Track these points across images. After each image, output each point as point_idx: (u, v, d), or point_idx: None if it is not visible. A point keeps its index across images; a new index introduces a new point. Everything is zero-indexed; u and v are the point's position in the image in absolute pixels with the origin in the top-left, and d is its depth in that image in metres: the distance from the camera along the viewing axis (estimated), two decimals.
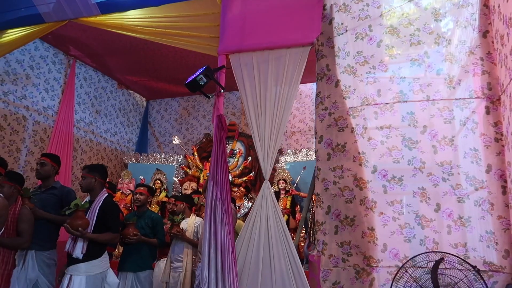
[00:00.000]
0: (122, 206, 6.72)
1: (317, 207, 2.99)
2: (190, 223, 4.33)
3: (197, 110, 8.54)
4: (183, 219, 4.35)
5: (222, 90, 3.55)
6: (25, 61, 6.42)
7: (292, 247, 3.01)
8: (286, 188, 6.27)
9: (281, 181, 6.31)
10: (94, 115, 7.68)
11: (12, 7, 4.44)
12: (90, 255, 3.14)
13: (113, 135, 8.14)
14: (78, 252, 3.07)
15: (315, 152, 3.14)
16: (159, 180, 7.29)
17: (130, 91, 8.63)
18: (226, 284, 2.95)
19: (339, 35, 3.19)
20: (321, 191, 2.99)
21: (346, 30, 3.18)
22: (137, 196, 4.38)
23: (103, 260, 3.25)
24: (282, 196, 6.26)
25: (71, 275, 3.11)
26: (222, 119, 3.46)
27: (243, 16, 3.65)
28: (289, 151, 6.90)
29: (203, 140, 7.56)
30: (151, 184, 7.18)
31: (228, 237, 3.09)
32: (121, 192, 7.27)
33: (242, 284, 3.06)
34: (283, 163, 6.79)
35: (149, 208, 5.00)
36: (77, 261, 3.13)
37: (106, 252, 3.30)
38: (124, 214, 4.90)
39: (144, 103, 9.04)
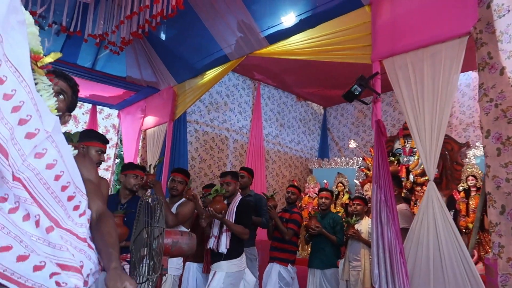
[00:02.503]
0: (310, 208, 7.39)
1: (489, 207, 2.79)
2: (364, 224, 4.54)
3: None
4: (358, 221, 4.59)
5: (378, 96, 3.68)
6: (222, 91, 7.87)
7: (464, 249, 2.89)
8: (477, 185, 5.67)
9: (470, 178, 5.75)
10: (279, 128, 8.69)
11: (207, 54, 5.62)
12: (231, 254, 3.55)
13: (297, 144, 8.98)
14: (223, 247, 3.52)
15: (483, 148, 2.92)
16: (341, 183, 7.65)
17: (308, 102, 9.35)
18: (396, 283, 3.07)
19: (500, 17, 2.90)
20: (493, 190, 2.77)
21: (509, 11, 2.86)
22: (323, 201, 4.85)
23: (242, 260, 3.66)
24: (473, 194, 5.69)
25: (215, 271, 3.55)
26: (380, 124, 3.59)
27: (393, 20, 3.68)
28: (478, 144, 6.21)
29: None
30: (333, 188, 7.63)
31: (395, 238, 3.20)
32: (308, 196, 7.97)
33: (414, 284, 3.11)
34: (471, 158, 6.16)
35: (332, 210, 5.44)
36: (220, 259, 3.55)
37: (244, 253, 3.73)
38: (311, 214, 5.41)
39: (322, 111, 9.62)
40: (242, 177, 4.57)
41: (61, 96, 1.46)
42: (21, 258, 0.91)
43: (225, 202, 3.74)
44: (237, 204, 3.75)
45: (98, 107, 7.32)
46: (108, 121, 7.49)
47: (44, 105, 1.09)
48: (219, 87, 7.79)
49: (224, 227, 3.65)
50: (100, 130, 7.38)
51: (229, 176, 3.87)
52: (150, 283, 2.26)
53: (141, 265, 2.36)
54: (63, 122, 1.46)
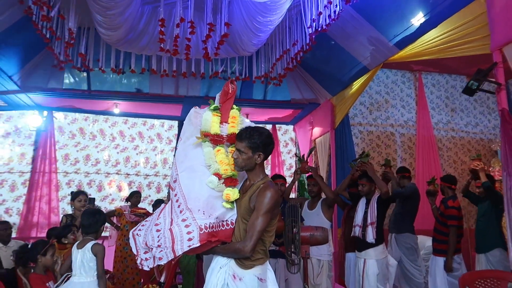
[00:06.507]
0: None
1: None
2: None
3: None
4: None
5: (500, 86, 3.71)
6: (381, 90, 8.28)
7: None
8: None
9: None
10: (450, 114, 8.42)
11: (350, 68, 6.32)
12: (376, 242, 3.92)
13: (475, 126, 8.46)
14: (371, 237, 3.93)
15: None
16: None
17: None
18: None
19: None
20: None
21: None
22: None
23: (384, 247, 4.03)
24: None
25: (364, 259, 3.93)
26: (505, 113, 3.64)
27: (508, 5, 3.66)
28: None
29: None
30: None
31: None
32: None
33: None
34: None
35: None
36: (367, 247, 3.92)
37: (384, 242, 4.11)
38: None
39: None
40: None
41: (239, 153, 2.28)
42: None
43: None
44: (377, 197, 4.19)
45: (277, 125, 8.92)
46: (286, 135, 9.01)
47: (182, 162, 2.39)
48: (377, 87, 8.24)
49: (369, 220, 4.27)
50: (281, 145, 8.96)
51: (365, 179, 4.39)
52: (298, 265, 3.33)
53: (292, 252, 3.44)
54: (255, 159, 2.27)
